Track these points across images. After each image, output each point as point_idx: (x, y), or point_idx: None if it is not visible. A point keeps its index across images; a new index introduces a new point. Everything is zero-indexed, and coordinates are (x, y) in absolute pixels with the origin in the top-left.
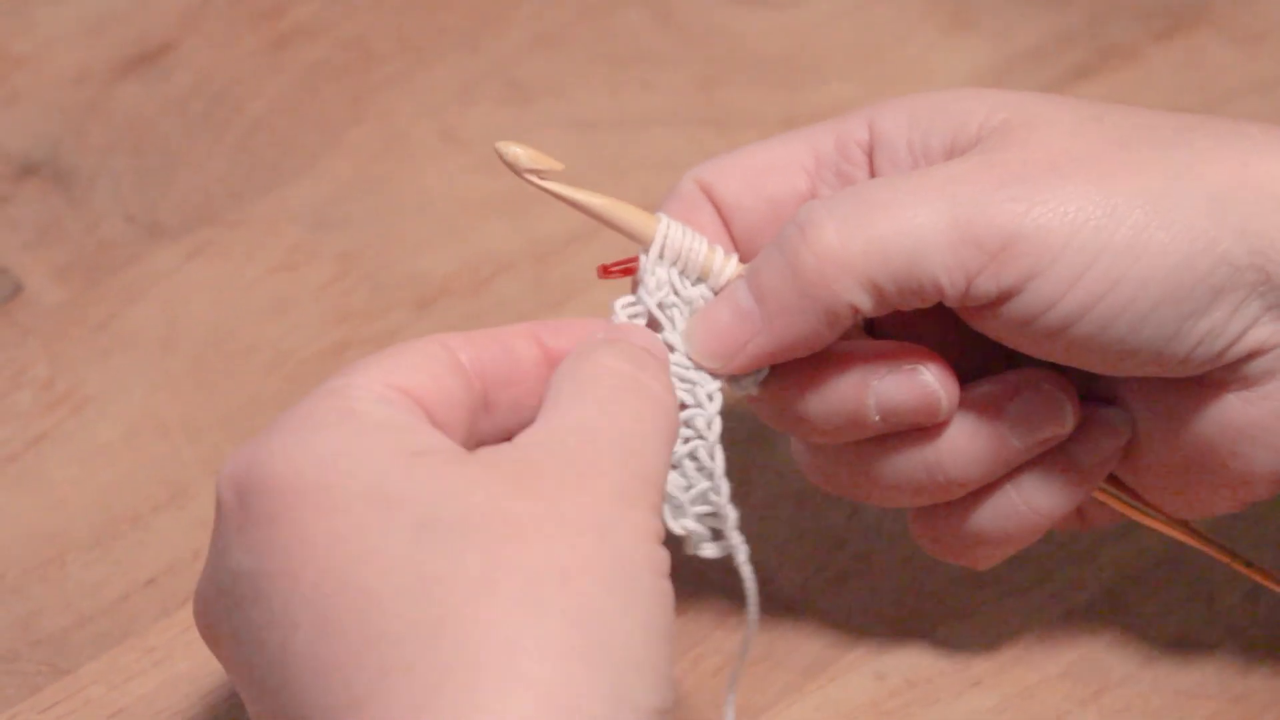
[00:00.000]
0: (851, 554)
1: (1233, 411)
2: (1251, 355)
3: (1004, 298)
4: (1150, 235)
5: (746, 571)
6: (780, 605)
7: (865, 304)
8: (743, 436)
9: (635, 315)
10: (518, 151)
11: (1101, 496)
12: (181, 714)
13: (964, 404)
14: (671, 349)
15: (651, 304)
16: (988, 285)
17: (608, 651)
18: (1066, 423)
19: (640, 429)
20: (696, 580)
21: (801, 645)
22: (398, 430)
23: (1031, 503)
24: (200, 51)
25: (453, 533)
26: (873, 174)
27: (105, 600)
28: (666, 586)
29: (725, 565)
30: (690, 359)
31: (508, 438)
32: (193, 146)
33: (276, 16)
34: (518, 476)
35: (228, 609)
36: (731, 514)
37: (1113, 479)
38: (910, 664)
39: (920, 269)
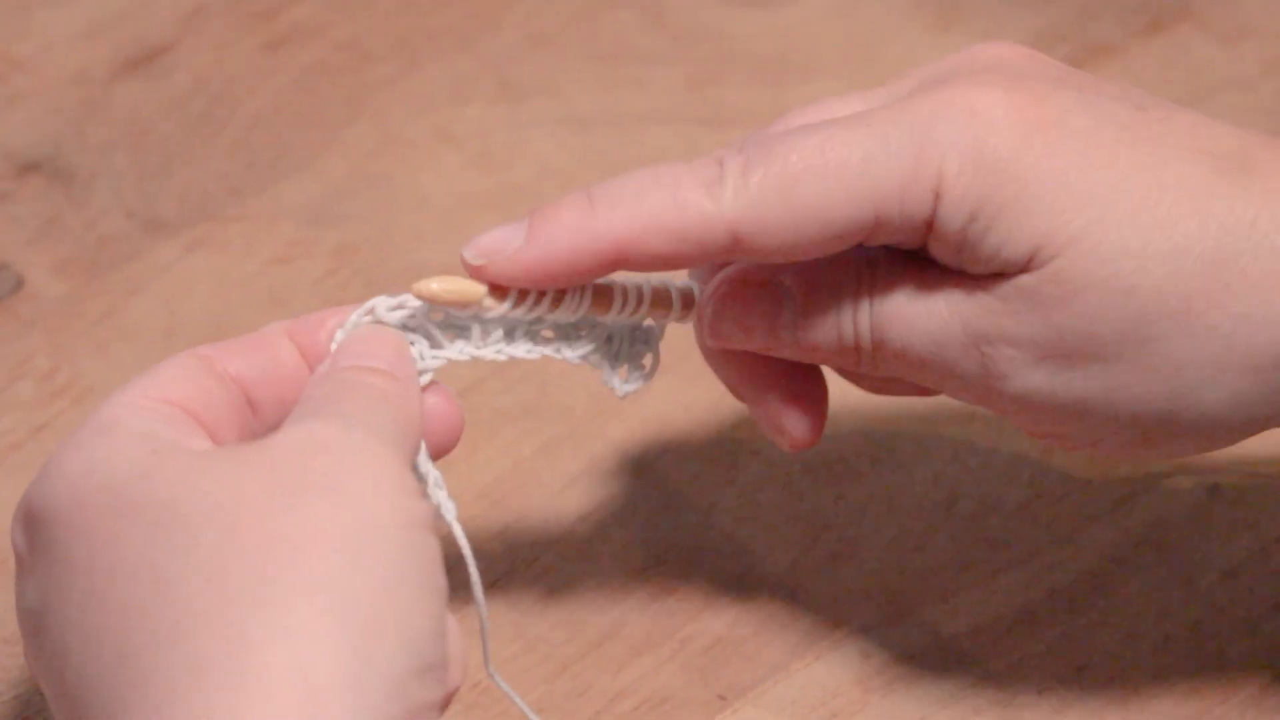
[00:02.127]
0: (838, 536)
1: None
2: None
3: None
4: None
5: (457, 530)
6: (767, 587)
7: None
8: (730, 420)
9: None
10: (434, 288)
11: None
12: None
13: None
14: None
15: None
16: None
17: (344, 617)
18: None
19: (359, 404)
20: (684, 562)
21: (788, 625)
22: (141, 435)
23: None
24: (198, 52)
25: (183, 527)
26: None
27: None
28: (419, 539)
29: (714, 550)
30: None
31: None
32: (191, 145)
33: (273, 18)
34: (247, 455)
35: (31, 651)
36: (432, 474)
37: None
38: (895, 643)
39: None
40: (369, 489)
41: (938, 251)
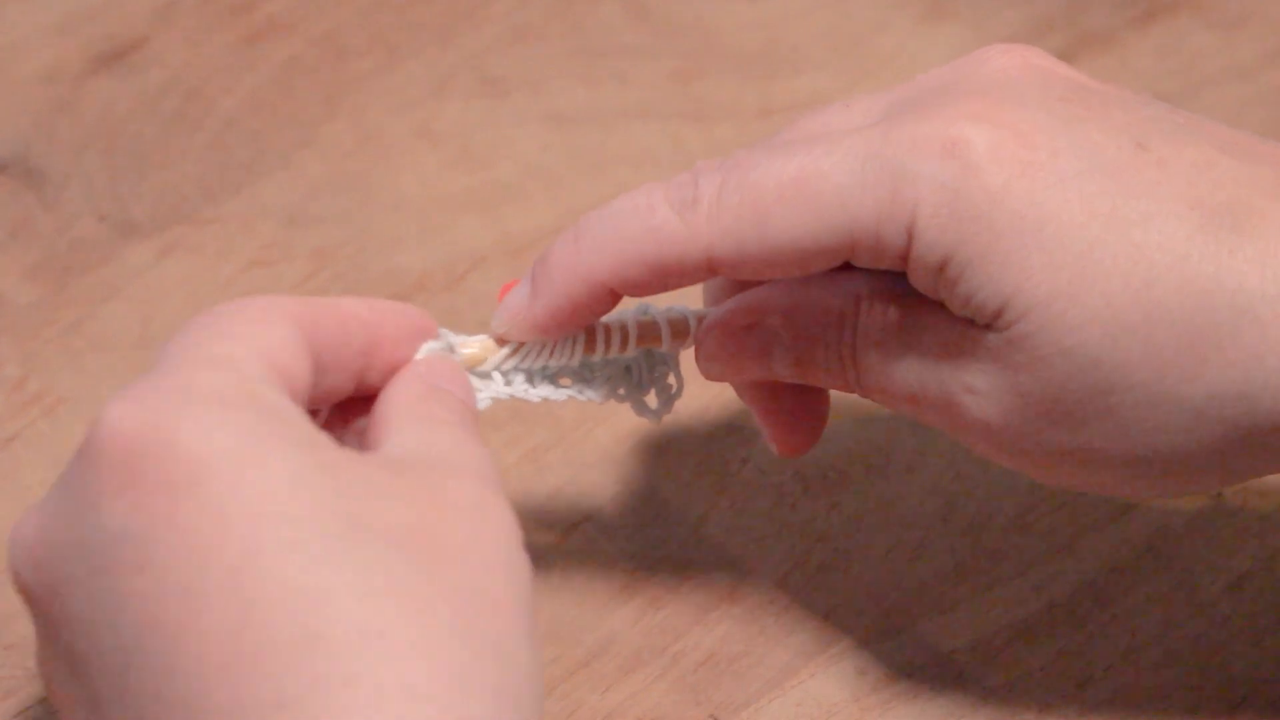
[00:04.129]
0: (832, 548)
1: None
2: None
3: None
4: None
5: None
6: (759, 600)
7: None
8: (721, 430)
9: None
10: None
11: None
12: None
13: None
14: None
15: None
16: None
17: (514, 694)
18: None
19: (497, 479)
20: (674, 575)
21: (782, 641)
22: (296, 421)
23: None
24: (172, 48)
25: (383, 540)
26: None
27: None
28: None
29: (704, 563)
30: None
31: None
32: (165, 144)
33: (248, 12)
34: (424, 490)
35: (88, 569)
36: None
37: None
38: (892, 658)
39: None
40: (527, 571)
41: (917, 280)
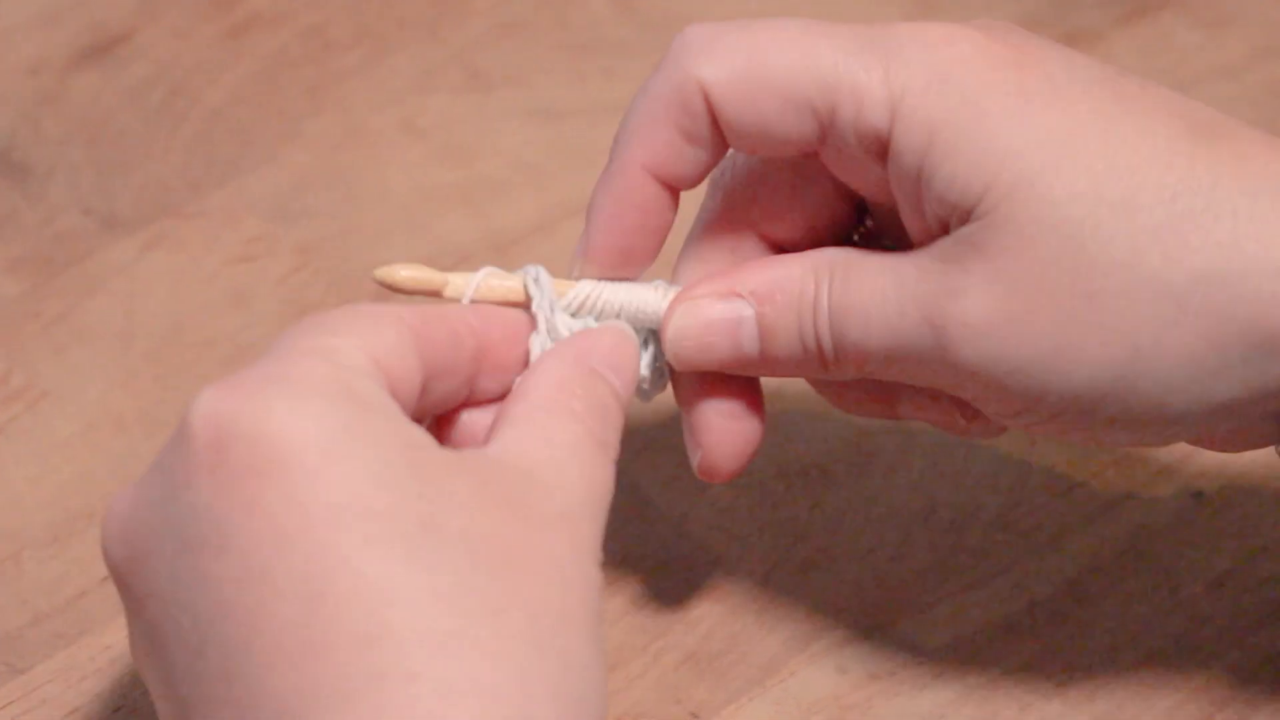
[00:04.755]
0: (813, 547)
1: None
2: None
3: None
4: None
5: None
6: (741, 599)
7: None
8: None
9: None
10: (402, 275)
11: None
12: (138, 713)
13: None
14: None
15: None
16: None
17: (579, 704)
18: (956, 426)
19: (601, 491)
20: (655, 573)
21: (763, 639)
22: (392, 417)
23: None
24: (157, 41)
25: (458, 547)
26: (883, 171)
27: (62, 598)
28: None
29: (686, 560)
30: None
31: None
32: (150, 138)
33: (233, 6)
34: (511, 498)
35: (175, 547)
36: None
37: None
38: (872, 657)
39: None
40: (599, 580)
41: (897, 170)
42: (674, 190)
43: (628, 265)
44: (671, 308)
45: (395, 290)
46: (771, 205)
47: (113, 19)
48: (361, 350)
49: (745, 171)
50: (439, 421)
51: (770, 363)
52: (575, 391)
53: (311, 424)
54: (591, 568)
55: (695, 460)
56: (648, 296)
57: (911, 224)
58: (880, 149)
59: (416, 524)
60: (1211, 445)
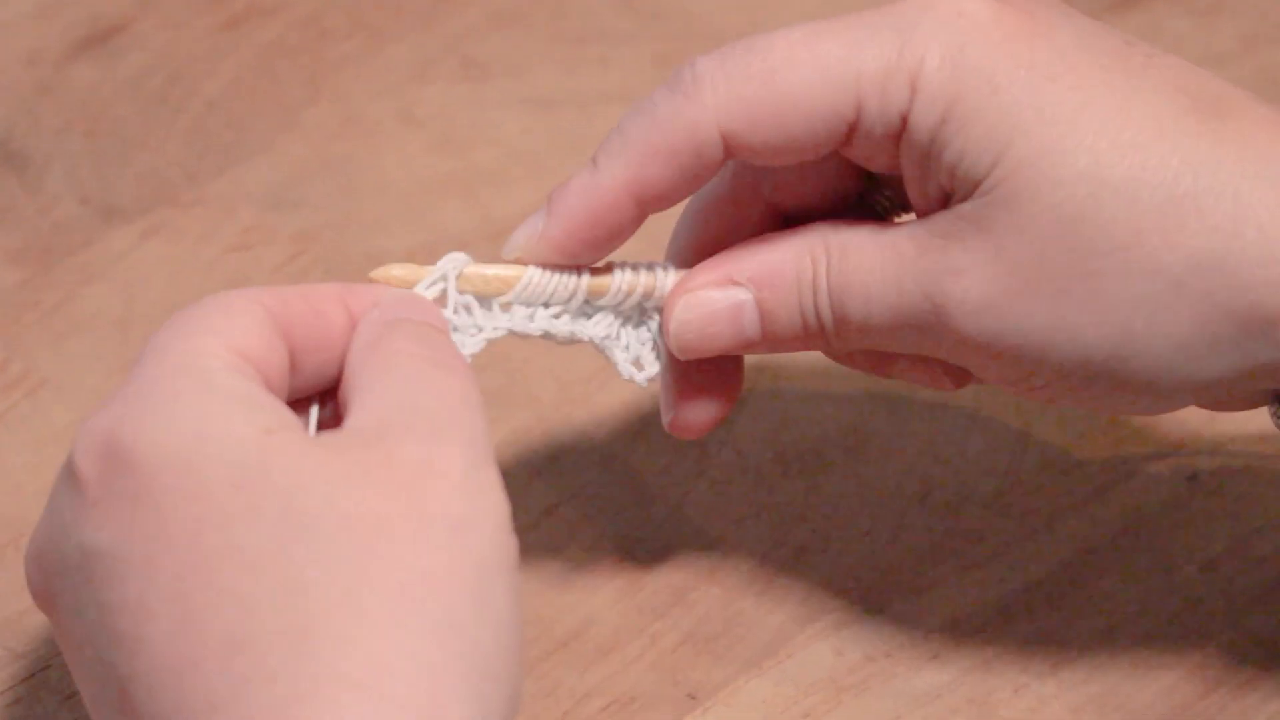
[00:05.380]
0: (810, 529)
1: None
2: None
3: None
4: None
5: None
6: (738, 581)
7: None
8: None
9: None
10: (396, 274)
11: None
12: None
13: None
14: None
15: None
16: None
17: (471, 665)
18: (947, 388)
19: (462, 403)
20: (653, 556)
21: (760, 621)
22: (251, 405)
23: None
24: (154, 32)
25: (316, 529)
26: (897, 146)
27: None
28: (517, 581)
29: (683, 544)
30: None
31: (306, 401)
32: (147, 128)
33: None
34: (371, 468)
35: (74, 584)
36: None
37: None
38: (868, 639)
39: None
40: (491, 529)
41: (910, 145)
42: (642, 213)
43: (573, 260)
44: (671, 302)
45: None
46: (779, 175)
47: (109, 10)
48: (221, 344)
49: None
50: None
51: (772, 342)
52: (391, 337)
53: (171, 439)
54: (472, 502)
55: (665, 420)
56: (652, 281)
57: (914, 193)
58: (900, 123)
59: (276, 515)
60: (1203, 405)
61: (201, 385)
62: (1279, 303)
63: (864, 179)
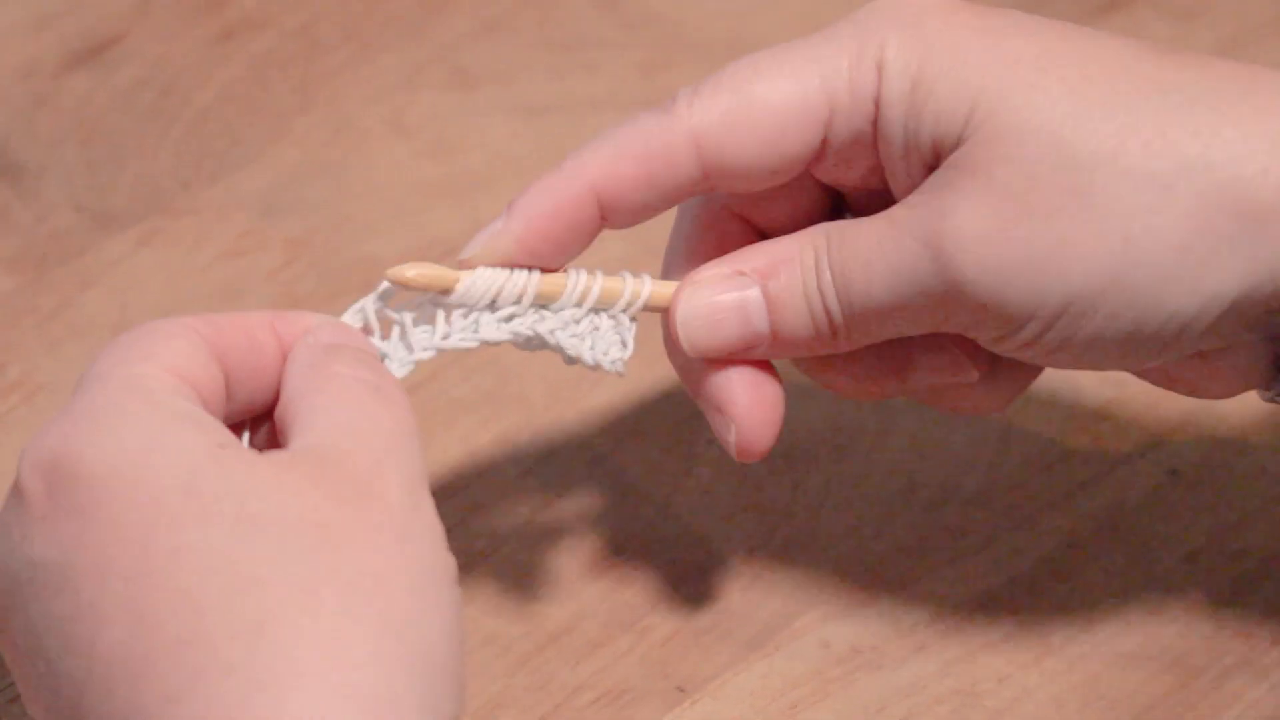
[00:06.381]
0: (796, 525)
1: None
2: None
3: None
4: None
5: None
6: (725, 577)
7: None
8: (686, 411)
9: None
10: (413, 276)
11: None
12: None
13: (870, 351)
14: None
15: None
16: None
17: (420, 658)
18: (969, 377)
19: (398, 430)
20: (642, 553)
21: (747, 616)
22: (199, 423)
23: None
24: (148, 44)
25: (267, 532)
26: (875, 146)
27: None
28: (459, 594)
29: (671, 541)
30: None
31: (238, 427)
32: (141, 137)
33: (223, 8)
34: (315, 478)
35: (23, 600)
36: None
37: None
38: (855, 632)
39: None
40: (431, 541)
41: (889, 118)
42: (604, 220)
43: (531, 258)
44: (678, 293)
45: (405, 288)
46: (756, 200)
47: (104, 23)
48: (163, 368)
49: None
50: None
51: (781, 340)
52: (326, 365)
53: (120, 452)
54: (411, 519)
55: (731, 439)
56: (618, 286)
57: (899, 187)
58: (873, 106)
59: (229, 521)
60: (1198, 385)
61: (148, 404)
62: (1269, 195)
63: (841, 213)
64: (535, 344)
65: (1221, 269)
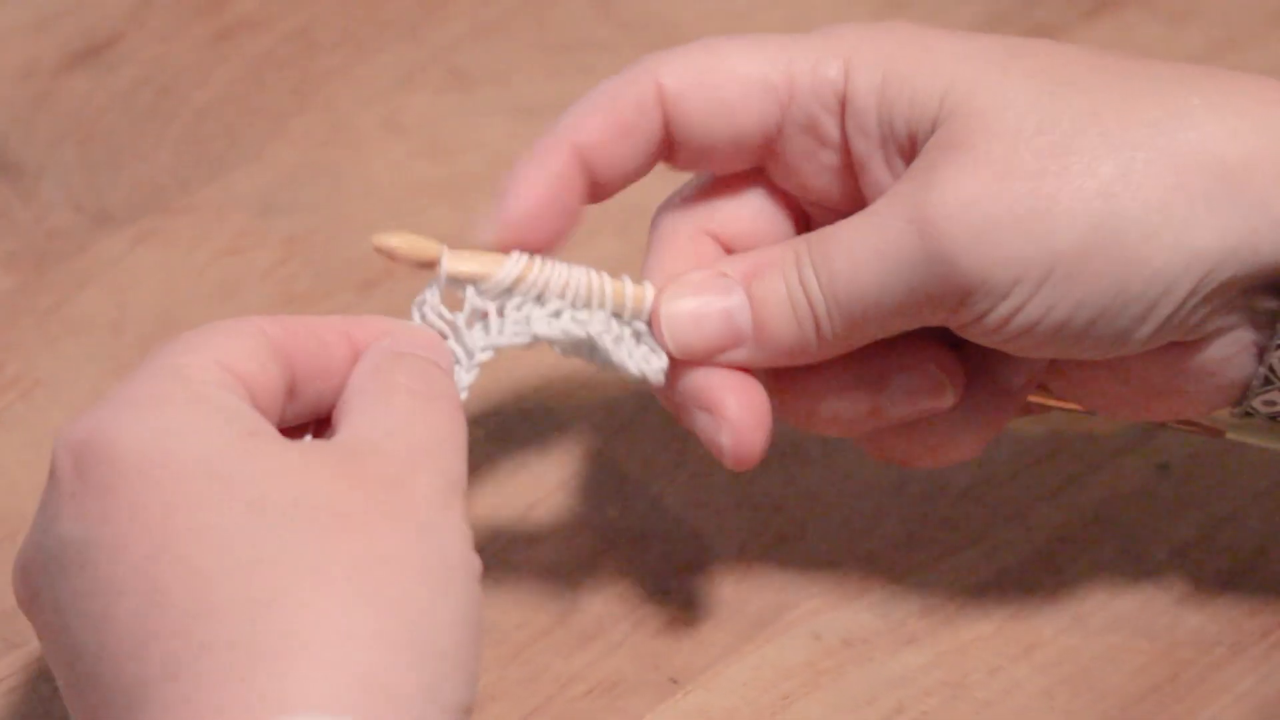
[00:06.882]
0: (788, 519)
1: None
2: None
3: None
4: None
5: None
6: (718, 570)
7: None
8: None
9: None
10: (395, 244)
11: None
12: None
13: (847, 371)
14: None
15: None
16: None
17: (425, 643)
18: (946, 401)
19: (442, 437)
20: (634, 546)
21: (739, 609)
22: (231, 412)
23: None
24: (146, 44)
25: (284, 516)
26: (843, 137)
27: None
28: (479, 591)
29: (664, 534)
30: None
31: (304, 427)
32: (140, 137)
33: (220, 10)
34: (342, 468)
35: (52, 576)
36: None
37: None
38: (846, 624)
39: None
40: (454, 538)
41: (856, 110)
42: (589, 185)
43: (531, 240)
44: (661, 294)
45: (391, 258)
46: (727, 217)
47: (103, 24)
48: (212, 360)
49: (696, 188)
50: None
51: (765, 341)
52: (390, 370)
53: (147, 435)
54: (437, 514)
55: (727, 447)
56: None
57: (874, 187)
58: (839, 104)
59: (243, 504)
60: (1183, 402)
61: (185, 392)
62: (1237, 156)
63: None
64: (583, 350)
65: (1200, 226)
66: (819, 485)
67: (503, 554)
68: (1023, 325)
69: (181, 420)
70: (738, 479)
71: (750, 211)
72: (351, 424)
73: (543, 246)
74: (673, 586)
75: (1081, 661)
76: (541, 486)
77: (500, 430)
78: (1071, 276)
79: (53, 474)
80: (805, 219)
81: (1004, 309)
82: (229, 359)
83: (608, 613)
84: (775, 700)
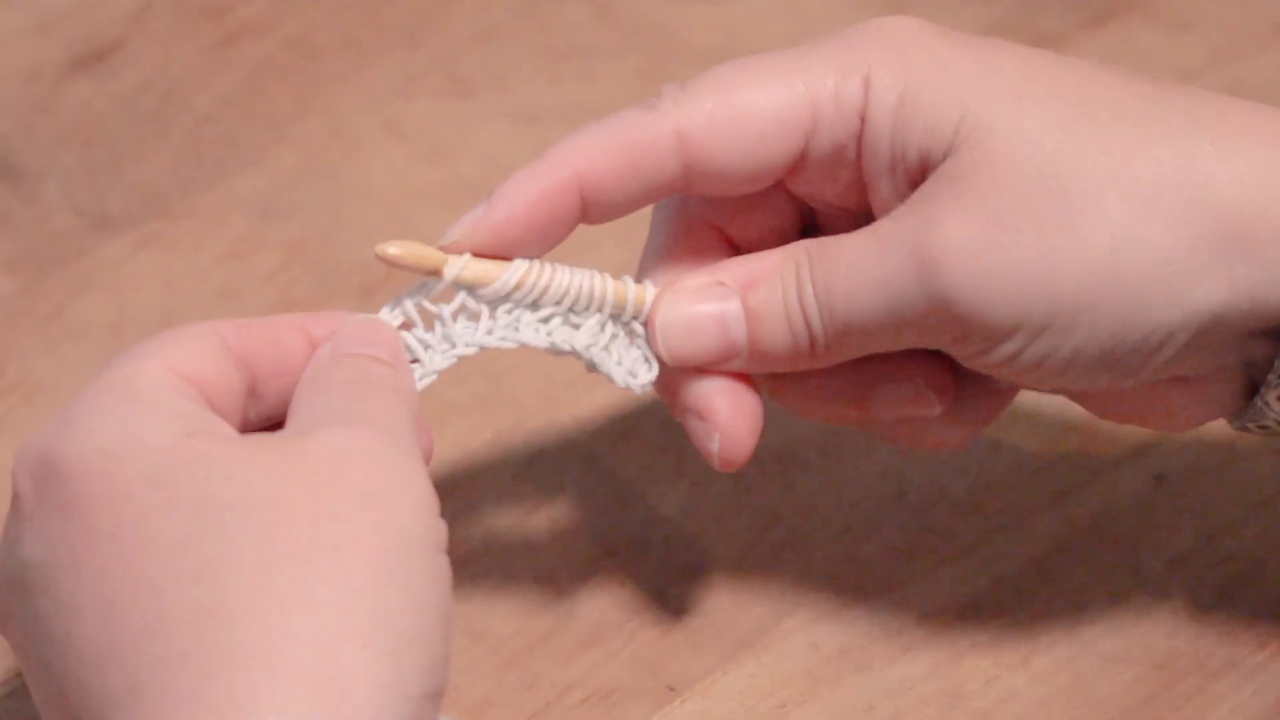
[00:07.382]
0: (786, 527)
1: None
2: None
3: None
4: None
5: None
6: (716, 578)
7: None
8: None
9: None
10: (397, 253)
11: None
12: None
13: (836, 377)
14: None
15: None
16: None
17: (383, 631)
18: (933, 411)
19: (381, 410)
20: (633, 554)
21: (737, 617)
22: (176, 413)
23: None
24: (148, 50)
25: (227, 516)
26: (859, 160)
27: None
28: (444, 562)
29: (662, 542)
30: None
31: (272, 427)
32: (141, 142)
33: (222, 15)
34: (284, 457)
35: (20, 600)
36: None
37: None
38: (843, 633)
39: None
40: (408, 507)
41: (874, 129)
42: (583, 213)
43: (507, 252)
44: (657, 301)
45: (393, 267)
46: (731, 213)
47: (105, 29)
48: (163, 366)
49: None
50: None
51: (759, 352)
52: (330, 371)
53: (93, 448)
54: (383, 483)
55: (715, 448)
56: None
57: (882, 203)
58: (858, 119)
59: (187, 510)
60: (1168, 416)
61: (127, 398)
62: (1244, 208)
63: (813, 232)
64: (567, 352)
65: (1202, 283)
66: (817, 494)
67: (499, 560)
68: (1020, 366)
69: (126, 430)
70: (736, 487)
71: (751, 201)
72: (293, 418)
73: (523, 254)
74: (670, 594)
75: (1078, 671)
76: (542, 494)
77: (499, 438)
78: (1072, 326)
79: (14, 495)
80: (809, 209)
81: (1002, 351)
82: (180, 363)
83: (605, 620)
84: (772, 708)
